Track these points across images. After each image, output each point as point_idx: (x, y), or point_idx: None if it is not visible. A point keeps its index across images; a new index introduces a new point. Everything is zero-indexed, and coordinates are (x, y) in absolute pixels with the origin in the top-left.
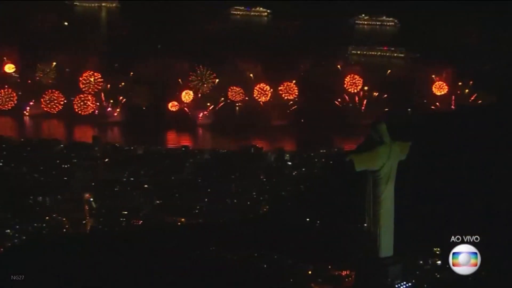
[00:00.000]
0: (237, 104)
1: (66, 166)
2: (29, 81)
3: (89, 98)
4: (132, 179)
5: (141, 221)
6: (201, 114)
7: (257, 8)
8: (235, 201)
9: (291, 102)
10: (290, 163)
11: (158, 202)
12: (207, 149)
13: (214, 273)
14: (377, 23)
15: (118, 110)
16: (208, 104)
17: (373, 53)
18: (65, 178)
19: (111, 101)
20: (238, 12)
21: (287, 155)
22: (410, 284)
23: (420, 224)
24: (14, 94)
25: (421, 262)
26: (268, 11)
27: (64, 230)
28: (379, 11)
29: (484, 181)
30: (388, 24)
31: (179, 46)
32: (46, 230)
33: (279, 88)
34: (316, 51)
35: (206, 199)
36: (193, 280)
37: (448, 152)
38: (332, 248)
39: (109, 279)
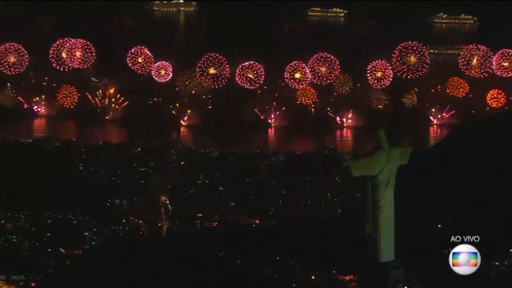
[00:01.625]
0: (312, 106)
1: (143, 169)
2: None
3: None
4: (207, 181)
5: (216, 223)
6: (275, 116)
7: (334, 9)
8: (309, 202)
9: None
10: None
11: (232, 204)
12: (281, 151)
13: (218, 278)
14: (456, 21)
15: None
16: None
17: (451, 51)
18: (142, 181)
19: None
20: (315, 13)
21: None
22: None
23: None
24: (96, 100)
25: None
26: (345, 11)
27: (141, 232)
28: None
29: None
30: (466, 22)
31: (256, 47)
32: (122, 233)
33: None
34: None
35: (280, 201)
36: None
37: None
38: (337, 253)
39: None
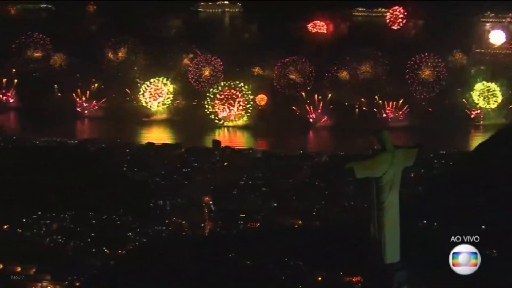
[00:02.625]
0: (356, 106)
1: (186, 170)
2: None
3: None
4: (250, 182)
5: (258, 224)
6: (320, 115)
7: (379, 9)
8: (352, 203)
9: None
10: None
11: (275, 205)
12: (325, 151)
13: (225, 279)
14: (503, 20)
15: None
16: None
17: (498, 51)
18: (185, 182)
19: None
20: (360, 14)
21: None
22: None
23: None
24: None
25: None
26: (390, 11)
27: (184, 233)
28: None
29: None
30: None
31: (299, 47)
32: (166, 233)
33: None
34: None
35: (323, 202)
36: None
37: None
38: (344, 255)
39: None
